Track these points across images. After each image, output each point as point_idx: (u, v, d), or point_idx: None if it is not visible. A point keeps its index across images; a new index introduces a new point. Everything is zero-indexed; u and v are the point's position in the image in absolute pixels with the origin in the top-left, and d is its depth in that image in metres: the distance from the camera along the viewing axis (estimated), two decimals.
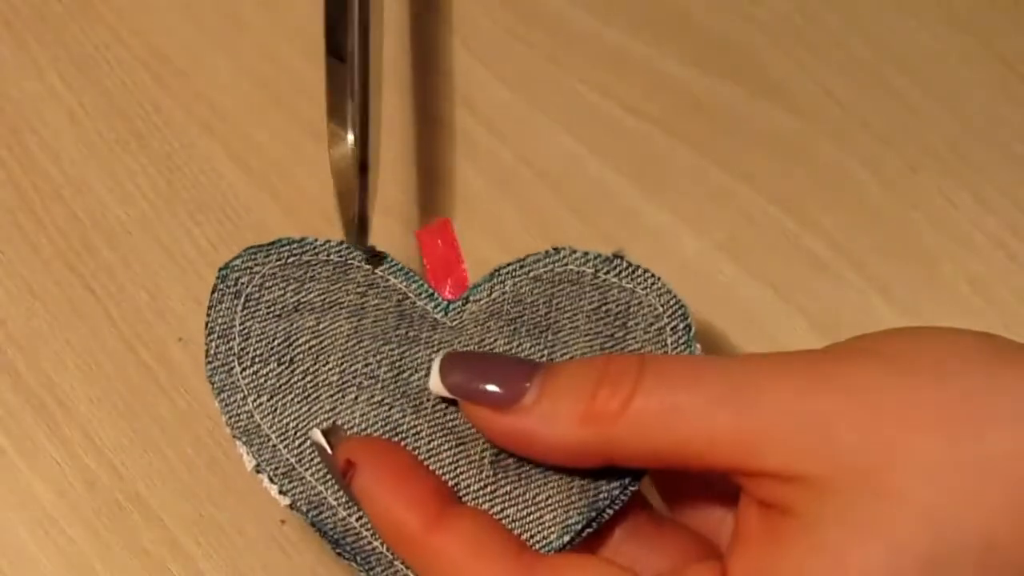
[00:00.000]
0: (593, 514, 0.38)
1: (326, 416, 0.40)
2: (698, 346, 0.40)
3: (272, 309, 0.41)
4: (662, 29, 0.54)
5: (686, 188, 0.52)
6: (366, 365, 0.40)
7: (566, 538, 0.38)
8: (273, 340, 0.41)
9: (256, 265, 0.42)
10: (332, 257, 0.42)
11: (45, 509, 0.47)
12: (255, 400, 0.40)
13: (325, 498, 0.39)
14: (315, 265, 0.42)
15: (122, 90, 0.53)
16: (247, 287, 0.41)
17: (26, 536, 0.47)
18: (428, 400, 0.40)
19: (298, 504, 0.39)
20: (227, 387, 0.40)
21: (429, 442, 0.39)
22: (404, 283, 0.42)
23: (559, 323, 0.40)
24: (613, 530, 0.39)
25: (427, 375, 0.40)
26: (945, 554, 0.33)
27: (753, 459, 0.34)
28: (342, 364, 0.40)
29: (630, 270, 0.41)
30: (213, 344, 0.41)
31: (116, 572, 0.46)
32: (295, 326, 0.41)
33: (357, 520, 0.39)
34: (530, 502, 0.38)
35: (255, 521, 0.47)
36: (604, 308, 0.40)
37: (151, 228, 0.51)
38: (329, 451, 0.39)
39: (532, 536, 0.38)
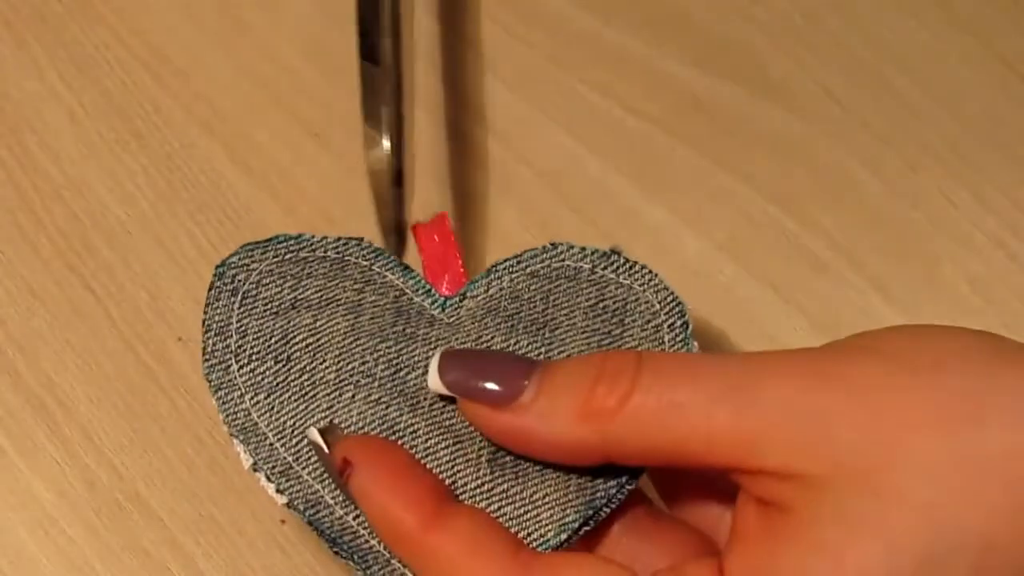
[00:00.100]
0: (590, 512, 0.38)
1: (323, 414, 0.40)
2: (695, 344, 0.40)
3: (269, 306, 0.41)
4: (662, 29, 0.54)
5: (686, 188, 0.52)
6: (363, 363, 0.40)
7: (563, 536, 0.38)
8: (270, 337, 0.41)
9: (253, 262, 0.42)
10: (329, 253, 0.42)
11: (45, 509, 0.47)
12: (252, 398, 0.40)
13: (322, 496, 0.39)
14: (312, 262, 0.42)
15: (122, 90, 0.53)
16: (244, 284, 0.41)
17: (26, 536, 0.47)
18: (425, 398, 0.40)
19: (295, 502, 0.39)
20: (224, 385, 0.40)
21: (426, 440, 0.39)
22: (401, 279, 0.42)
23: (556, 320, 0.40)
24: (611, 525, 0.39)
25: (424, 373, 0.40)
26: (943, 553, 0.33)
27: (752, 457, 0.34)
28: (339, 362, 0.40)
29: (627, 266, 0.41)
30: (210, 341, 0.41)
31: (116, 572, 0.46)
32: (292, 323, 0.41)
33: (354, 519, 0.39)
34: (527, 500, 0.38)
35: (255, 521, 0.47)
36: (601, 305, 0.40)
37: (151, 228, 0.51)
38: (326, 450, 0.39)
39: (529, 534, 0.38)
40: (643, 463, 0.38)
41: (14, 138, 0.52)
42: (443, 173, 0.52)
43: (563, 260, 0.41)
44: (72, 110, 0.53)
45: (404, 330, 0.41)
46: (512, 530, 0.38)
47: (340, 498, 0.39)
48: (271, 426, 0.40)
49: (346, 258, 0.42)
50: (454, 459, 0.39)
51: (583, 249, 0.41)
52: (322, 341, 0.40)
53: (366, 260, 0.42)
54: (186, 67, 0.54)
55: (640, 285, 0.40)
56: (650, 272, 0.41)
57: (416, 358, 0.40)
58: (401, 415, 0.40)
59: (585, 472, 0.38)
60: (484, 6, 0.55)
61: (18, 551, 0.47)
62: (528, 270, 0.41)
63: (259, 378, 0.40)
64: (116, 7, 0.54)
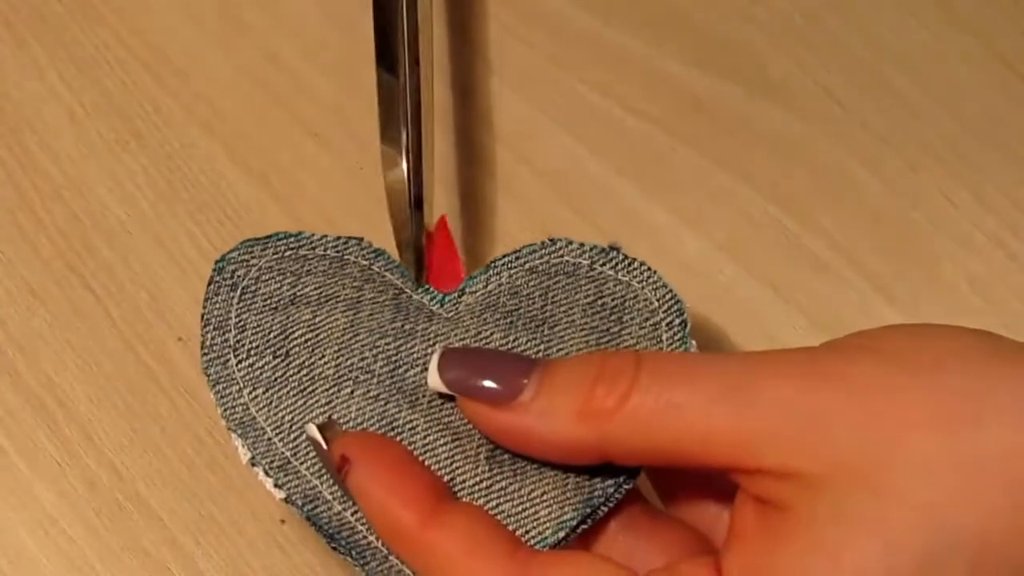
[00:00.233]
0: (588, 511, 0.38)
1: (322, 410, 0.40)
2: (693, 342, 0.40)
3: (268, 302, 0.41)
4: (662, 29, 0.54)
5: (686, 188, 0.52)
6: (362, 359, 0.40)
7: (561, 534, 0.38)
8: (269, 333, 0.41)
9: (253, 258, 0.42)
10: (329, 252, 0.42)
11: (45, 509, 0.47)
12: (251, 393, 0.40)
13: (320, 492, 0.39)
14: (311, 260, 0.42)
15: (122, 90, 0.53)
16: (243, 280, 0.41)
17: (26, 536, 0.47)
18: (424, 395, 0.40)
19: (293, 497, 0.39)
20: (222, 379, 0.40)
21: (425, 437, 0.39)
22: (400, 279, 0.42)
23: (555, 317, 0.40)
24: (608, 523, 0.39)
25: (424, 370, 0.40)
26: (941, 552, 0.33)
27: (751, 456, 0.34)
28: (338, 358, 0.40)
29: (626, 263, 0.41)
30: (209, 336, 0.41)
31: (116, 572, 0.46)
32: (291, 319, 0.41)
33: (352, 515, 0.39)
34: (525, 498, 0.38)
35: (255, 521, 0.47)
36: (600, 302, 0.40)
37: (151, 228, 0.51)
38: (324, 446, 0.39)
39: (527, 532, 0.38)
40: (642, 463, 0.38)
41: (14, 138, 0.52)
42: (443, 172, 0.52)
43: (562, 256, 0.41)
44: (72, 110, 0.53)
45: (403, 326, 0.41)
46: (510, 528, 0.38)
47: (338, 493, 0.39)
48: (269, 421, 0.40)
49: (345, 257, 0.42)
50: (453, 456, 0.39)
51: (582, 245, 0.41)
52: (321, 337, 0.40)
53: (365, 260, 0.42)
54: (186, 67, 0.54)
55: (639, 282, 0.40)
56: (649, 269, 0.41)
57: (415, 354, 0.40)
58: (400, 411, 0.40)
59: (583, 470, 0.38)
60: (485, 6, 0.55)
61: (18, 551, 0.47)
62: (527, 266, 0.41)
63: (258, 373, 0.40)
64: (116, 7, 0.55)
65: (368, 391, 0.40)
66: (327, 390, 0.40)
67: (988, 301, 0.50)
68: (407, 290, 0.42)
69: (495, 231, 0.51)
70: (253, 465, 0.40)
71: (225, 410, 0.40)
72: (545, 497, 0.38)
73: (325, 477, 0.39)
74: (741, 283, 0.50)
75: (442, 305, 0.41)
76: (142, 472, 0.48)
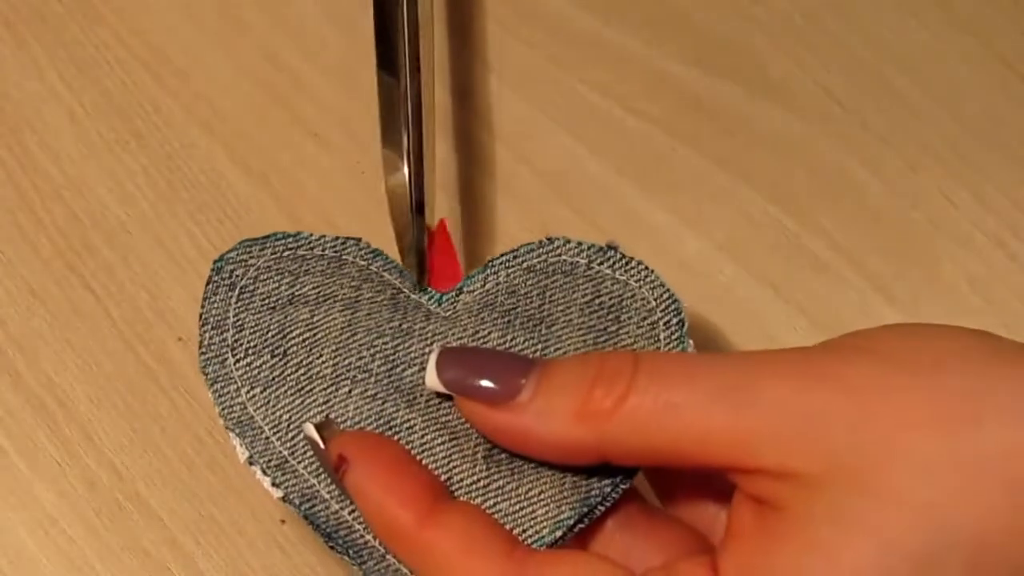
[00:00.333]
0: (585, 510, 0.38)
1: (319, 409, 0.40)
2: (691, 342, 0.40)
3: (267, 301, 0.41)
4: (662, 29, 0.54)
5: (686, 188, 0.52)
6: (360, 359, 0.40)
7: (558, 533, 0.38)
8: (267, 332, 0.41)
9: (251, 258, 0.42)
10: (327, 252, 0.42)
11: (45, 509, 0.47)
12: (248, 392, 0.40)
13: (318, 491, 0.39)
14: (309, 260, 0.42)
15: (122, 90, 0.53)
16: (242, 279, 0.41)
17: (26, 536, 0.47)
18: (422, 394, 0.40)
19: (291, 497, 0.39)
20: (220, 378, 0.40)
21: (422, 436, 0.39)
22: (398, 279, 0.42)
23: (553, 316, 0.40)
24: (605, 522, 0.39)
25: (421, 369, 0.40)
26: (938, 552, 0.32)
27: (748, 457, 0.34)
28: (336, 357, 0.40)
29: (624, 262, 0.41)
30: (207, 335, 0.41)
31: (116, 572, 0.46)
32: (289, 318, 0.41)
33: (350, 514, 0.39)
34: (523, 497, 0.38)
35: (255, 521, 0.47)
36: (597, 301, 0.40)
37: (151, 228, 0.51)
38: (322, 445, 0.39)
39: (524, 531, 0.38)
40: (640, 463, 0.38)
41: (14, 138, 0.52)
42: (442, 173, 0.52)
43: (559, 255, 0.41)
44: (72, 110, 0.53)
45: (401, 325, 0.41)
46: (507, 527, 0.38)
47: (336, 492, 0.39)
48: (267, 420, 0.40)
49: (343, 257, 0.42)
50: (450, 455, 0.39)
51: (579, 244, 0.41)
52: (319, 336, 0.41)
53: (364, 259, 0.42)
54: (186, 67, 0.54)
55: (636, 282, 0.40)
56: (646, 268, 0.41)
57: (413, 354, 0.40)
58: (397, 411, 0.40)
59: (580, 470, 0.38)
60: (485, 6, 0.55)
61: (18, 551, 0.47)
62: (524, 265, 0.41)
63: (255, 372, 0.40)
64: (116, 7, 0.55)
65: (366, 390, 0.40)
66: (325, 389, 0.40)
67: (988, 301, 0.50)
68: (405, 290, 0.42)
69: (495, 231, 0.51)
70: (251, 464, 0.40)
71: (223, 409, 0.40)
72: (542, 496, 0.38)
73: (323, 476, 0.39)
74: (741, 283, 0.50)
75: (440, 304, 0.41)
76: (142, 472, 0.48)
